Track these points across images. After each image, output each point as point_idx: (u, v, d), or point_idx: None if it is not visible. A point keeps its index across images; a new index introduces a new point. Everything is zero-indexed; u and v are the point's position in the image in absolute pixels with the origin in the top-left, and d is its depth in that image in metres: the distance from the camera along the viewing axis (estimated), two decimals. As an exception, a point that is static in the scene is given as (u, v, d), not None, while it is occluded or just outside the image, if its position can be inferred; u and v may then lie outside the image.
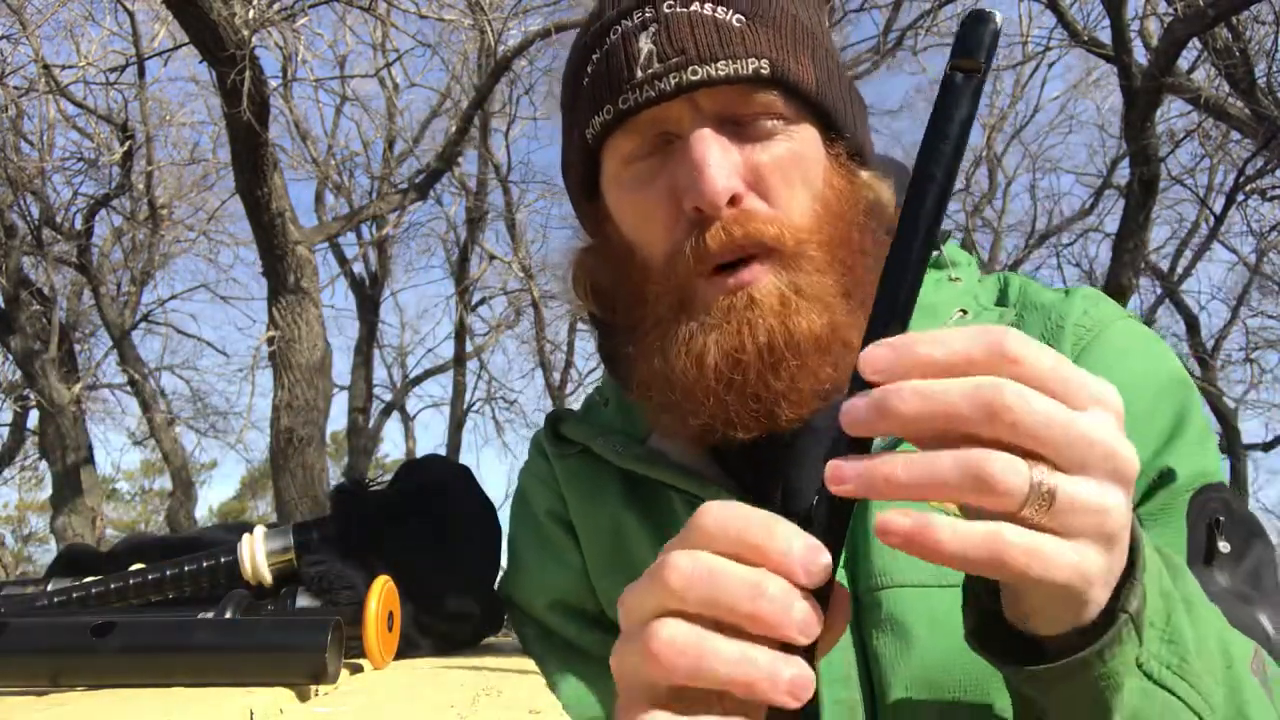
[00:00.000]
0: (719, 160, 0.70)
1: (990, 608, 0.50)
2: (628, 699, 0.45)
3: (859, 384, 0.43)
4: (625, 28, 0.74)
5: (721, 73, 0.70)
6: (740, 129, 0.73)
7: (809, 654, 0.43)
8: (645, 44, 0.72)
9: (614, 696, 0.54)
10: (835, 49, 0.80)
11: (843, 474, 0.43)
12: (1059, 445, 0.42)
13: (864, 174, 0.79)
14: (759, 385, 0.70)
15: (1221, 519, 0.68)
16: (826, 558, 0.43)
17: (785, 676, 0.42)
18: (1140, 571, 0.46)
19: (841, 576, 0.69)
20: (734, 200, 0.71)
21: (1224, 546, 0.68)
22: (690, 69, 0.70)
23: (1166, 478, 0.69)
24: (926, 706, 0.65)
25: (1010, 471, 0.40)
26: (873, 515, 0.70)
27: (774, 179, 0.72)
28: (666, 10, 0.72)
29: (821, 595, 0.43)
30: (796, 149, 0.73)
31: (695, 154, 0.70)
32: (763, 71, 0.71)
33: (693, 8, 0.72)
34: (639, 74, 0.72)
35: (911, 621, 0.67)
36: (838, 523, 0.45)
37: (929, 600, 0.67)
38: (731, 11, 0.72)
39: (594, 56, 0.76)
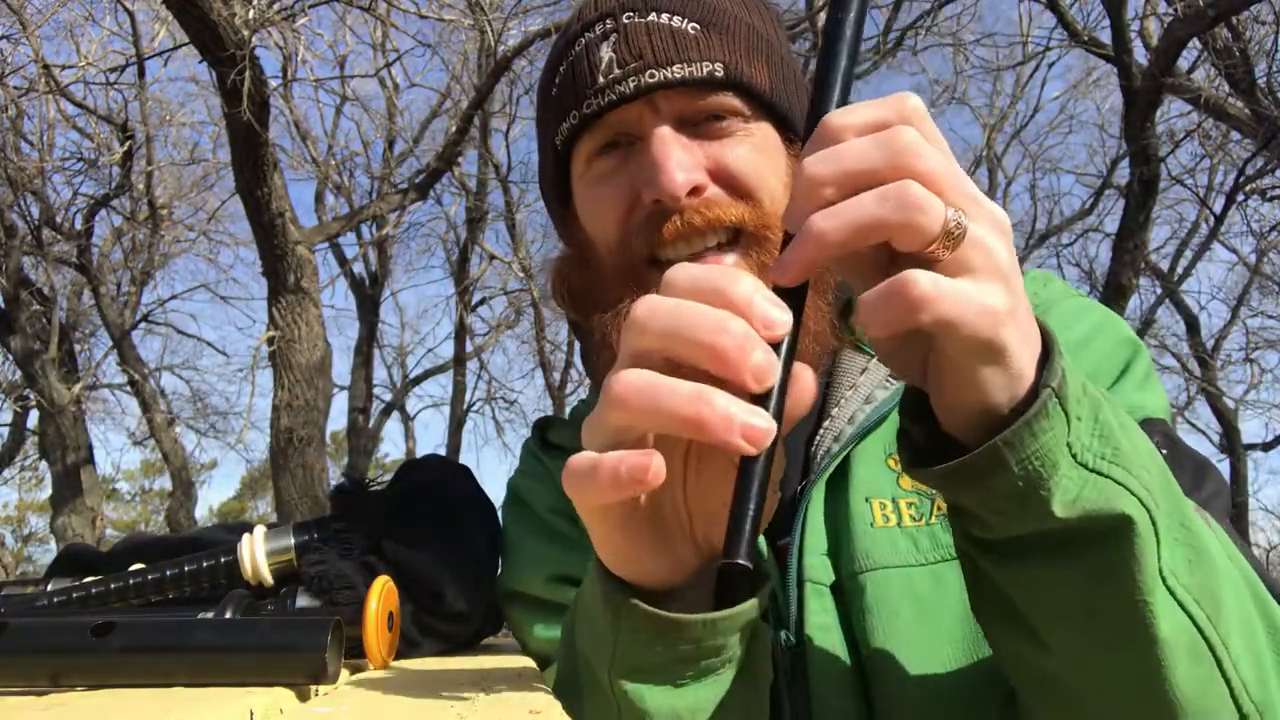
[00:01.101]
0: (679, 155, 0.73)
1: (922, 440, 0.51)
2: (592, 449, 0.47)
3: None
4: (588, 39, 0.78)
5: (677, 75, 0.75)
6: (699, 128, 0.76)
7: (774, 411, 0.44)
8: (606, 52, 0.77)
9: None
10: (793, 58, 0.85)
11: (783, 264, 0.45)
12: (955, 192, 0.44)
13: None
14: None
15: (1165, 452, 0.70)
16: (787, 315, 0.45)
17: (740, 418, 0.42)
18: (1056, 353, 0.48)
19: (825, 564, 0.71)
20: (696, 191, 0.74)
21: None
22: (648, 73, 0.75)
23: None
24: (915, 684, 0.66)
25: (929, 197, 0.43)
26: (853, 504, 0.72)
27: (737, 170, 0.76)
28: (626, 21, 0.77)
29: (786, 362, 0.45)
30: (757, 144, 0.77)
31: (654, 150, 0.74)
32: (717, 74, 0.75)
33: (650, 18, 0.77)
34: (600, 80, 0.76)
35: (896, 602, 0.68)
36: (794, 310, 0.47)
37: (911, 580, 0.69)
38: (687, 20, 0.77)
39: (561, 68, 0.81)
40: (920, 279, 0.42)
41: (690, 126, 0.76)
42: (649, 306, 0.45)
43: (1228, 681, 0.51)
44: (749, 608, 0.54)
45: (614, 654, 0.55)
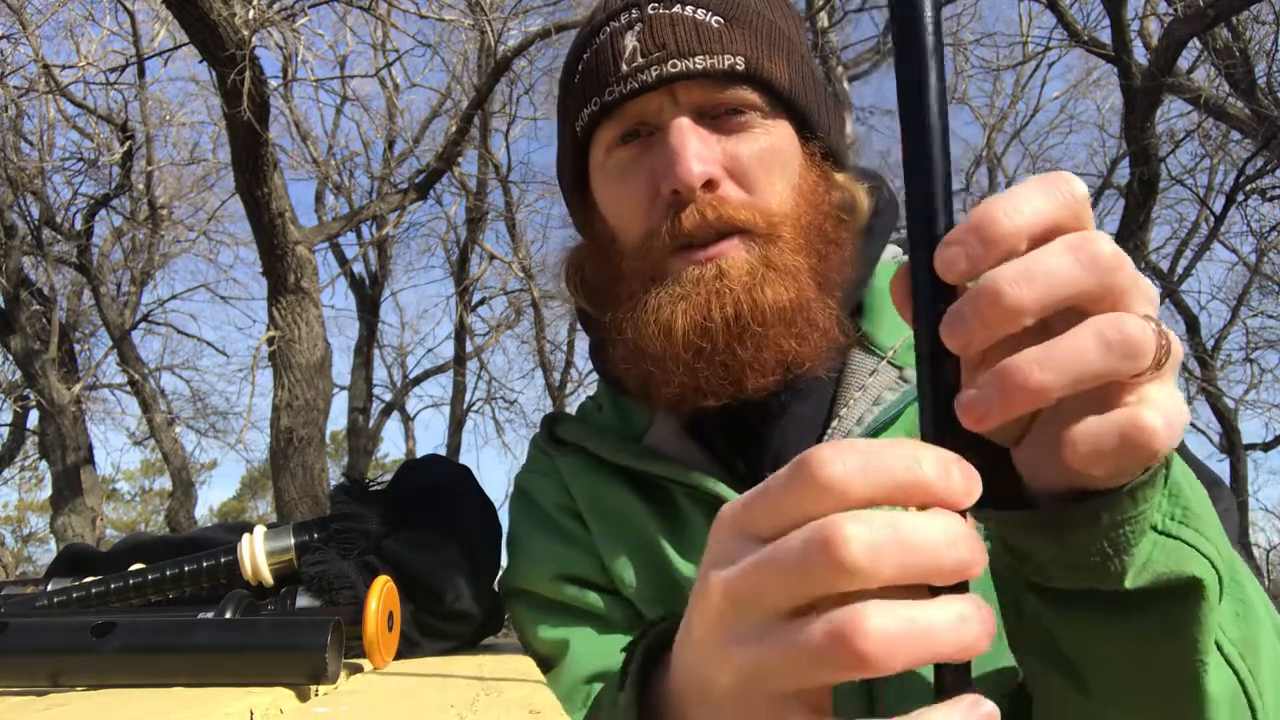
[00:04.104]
0: (696, 146, 0.74)
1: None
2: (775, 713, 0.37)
3: (929, 299, 0.38)
4: (613, 28, 0.79)
5: (699, 67, 0.75)
6: (718, 122, 0.77)
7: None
8: (630, 41, 0.77)
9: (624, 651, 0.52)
10: (811, 58, 0.85)
11: (980, 410, 0.36)
12: (1144, 301, 0.38)
13: (839, 176, 0.83)
14: (727, 354, 0.73)
15: None
16: (977, 481, 0.37)
17: (986, 617, 0.35)
18: None
19: None
20: (710, 185, 0.74)
21: None
22: (670, 63, 0.75)
23: None
24: (922, 686, 0.66)
25: (1144, 331, 0.37)
26: None
27: (752, 167, 0.76)
28: (651, 11, 0.77)
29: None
30: (773, 141, 0.77)
31: (673, 141, 0.74)
32: (738, 67, 0.75)
33: (674, 9, 0.77)
34: (623, 68, 0.76)
35: None
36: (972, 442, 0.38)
37: None
38: (710, 13, 0.77)
39: (584, 56, 0.81)
40: (1154, 420, 0.37)
41: (710, 119, 0.76)
42: (867, 545, 0.33)
43: None
44: None
45: None
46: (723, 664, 0.37)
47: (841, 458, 0.35)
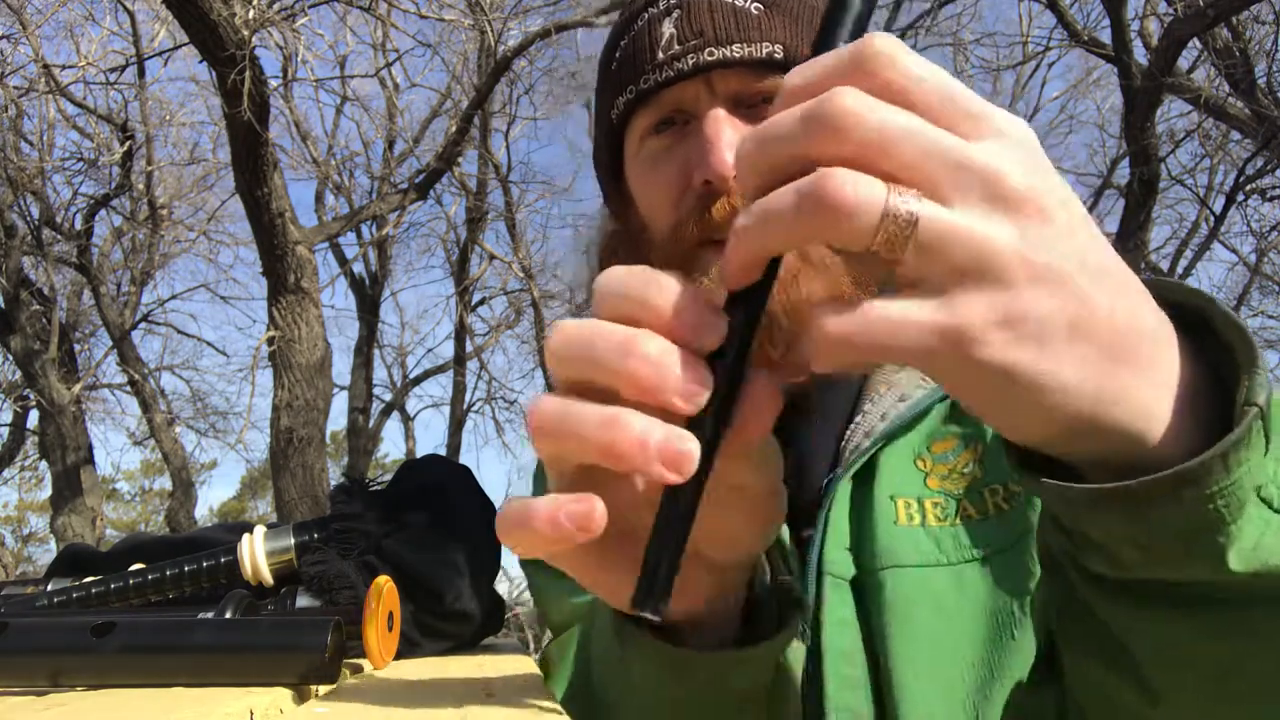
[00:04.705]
0: (730, 136, 0.72)
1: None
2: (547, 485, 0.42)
3: None
4: (651, 15, 0.78)
5: (736, 54, 0.73)
6: (754, 111, 0.75)
7: (709, 433, 0.37)
8: (668, 28, 0.76)
9: None
10: None
11: (720, 267, 0.38)
12: (919, 166, 0.33)
13: None
14: (756, 353, 0.71)
15: None
16: (720, 320, 0.37)
17: (657, 438, 0.35)
18: (1257, 356, 0.36)
19: (846, 559, 0.70)
20: None
21: None
22: (707, 50, 0.73)
23: None
24: (929, 685, 0.66)
25: (854, 183, 0.32)
26: (877, 501, 0.71)
27: None
28: None
29: (731, 375, 0.38)
30: None
31: (708, 130, 0.72)
32: (776, 55, 0.74)
33: None
34: (660, 55, 0.75)
35: (914, 601, 0.67)
36: (750, 305, 0.38)
37: (929, 581, 0.68)
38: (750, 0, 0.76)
39: (622, 43, 0.80)
40: (827, 322, 0.33)
41: (745, 109, 0.75)
42: (563, 334, 0.39)
43: None
44: (777, 644, 0.49)
45: (627, 688, 0.52)
46: None
47: (612, 273, 0.41)
